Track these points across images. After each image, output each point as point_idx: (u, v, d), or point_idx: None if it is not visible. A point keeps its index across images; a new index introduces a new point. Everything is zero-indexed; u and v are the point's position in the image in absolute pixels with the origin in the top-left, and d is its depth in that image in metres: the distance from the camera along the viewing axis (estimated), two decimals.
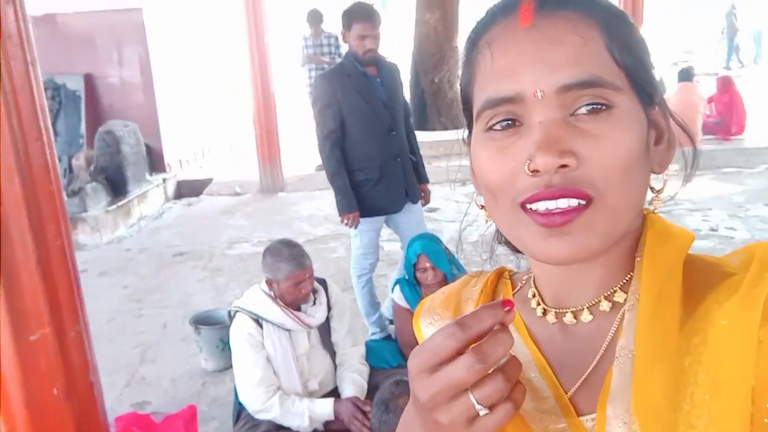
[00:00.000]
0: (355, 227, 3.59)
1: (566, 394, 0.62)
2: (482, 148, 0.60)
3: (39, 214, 1.86)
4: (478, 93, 0.61)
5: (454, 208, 6.44)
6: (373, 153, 3.51)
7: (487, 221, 0.67)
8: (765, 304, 0.51)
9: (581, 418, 0.60)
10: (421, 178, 3.81)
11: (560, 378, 0.63)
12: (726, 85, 8.59)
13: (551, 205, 0.55)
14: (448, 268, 3.25)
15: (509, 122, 0.58)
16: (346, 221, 3.57)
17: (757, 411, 0.49)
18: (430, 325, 0.77)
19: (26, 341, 1.88)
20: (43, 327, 1.90)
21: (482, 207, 0.66)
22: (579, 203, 0.54)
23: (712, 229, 5.35)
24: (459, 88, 0.66)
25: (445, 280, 3.26)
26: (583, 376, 0.61)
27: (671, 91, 7.98)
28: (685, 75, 8.06)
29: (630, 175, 0.56)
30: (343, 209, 3.55)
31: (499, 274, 0.76)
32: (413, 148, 3.79)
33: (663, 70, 11.23)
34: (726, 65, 15.24)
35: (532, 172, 0.54)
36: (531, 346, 0.66)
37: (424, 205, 3.88)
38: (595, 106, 0.55)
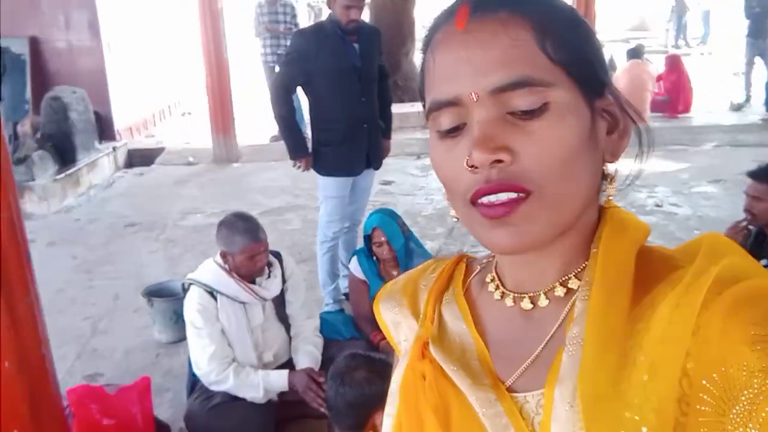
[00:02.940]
0: (303, 170, 3.64)
1: (505, 381, 0.65)
2: (434, 148, 0.64)
3: None
4: (427, 95, 0.64)
5: (409, 181, 6.49)
6: (340, 116, 3.54)
7: (457, 218, 0.69)
8: (706, 296, 0.54)
9: (527, 393, 0.63)
10: (384, 134, 3.87)
11: (511, 358, 0.66)
12: (674, 63, 8.79)
13: (493, 198, 0.58)
14: (400, 246, 3.29)
15: (456, 126, 0.61)
16: (298, 165, 3.63)
17: (694, 389, 0.53)
18: (388, 310, 0.80)
19: None
20: None
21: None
22: (519, 195, 0.58)
23: (657, 205, 5.52)
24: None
25: (396, 257, 3.32)
26: (531, 357, 0.64)
27: (621, 69, 8.13)
28: (635, 53, 8.21)
29: (568, 168, 0.58)
30: (296, 153, 3.61)
31: (458, 260, 0.79)
32: (387, 104, 3.85)
33: (613, 47, 11.41)
34: (675, 44, 15.57)
35: (470, 167, 0.58)
36: (475, 336, 0.70)
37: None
38: (528, 110, 0.58)
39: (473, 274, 0.76)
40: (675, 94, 8.60)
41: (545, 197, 0.58)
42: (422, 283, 0.79)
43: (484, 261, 0.76)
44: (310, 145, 3.70)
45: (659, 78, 8.68)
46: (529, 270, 0.67)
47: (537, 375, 0.63)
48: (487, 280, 0.72)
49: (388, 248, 3.29)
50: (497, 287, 0.70)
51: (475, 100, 0.58)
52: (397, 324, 0.79)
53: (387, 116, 3.89)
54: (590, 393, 0.56)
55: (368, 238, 3.36)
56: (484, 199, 0.58)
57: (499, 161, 0.57)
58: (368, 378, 2.01)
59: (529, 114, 0.58)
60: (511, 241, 0.59)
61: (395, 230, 3.31)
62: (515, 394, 0.64)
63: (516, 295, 0.68)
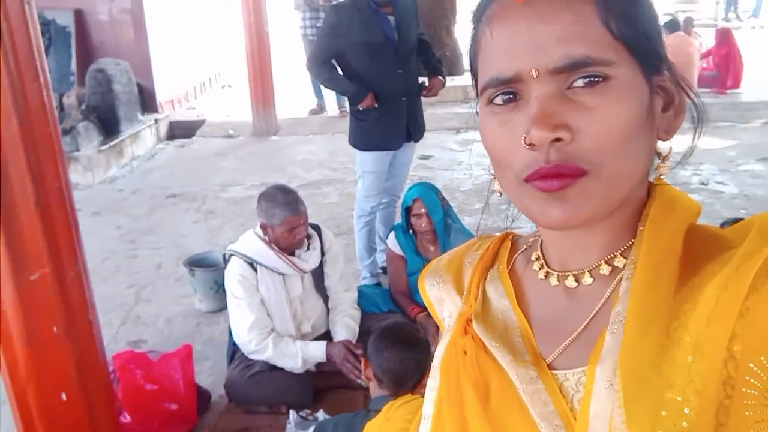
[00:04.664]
0: (370, 106, 3.50)
1: (546, 358, 0.65)
2: (486, 122, 0.62)
3: (37, 156, 1.87)
4: (481, 69, 0.62)
5: (447, 156, 6.45)
6: (375, 90, 3.48)
7: (501, 194, 0.68)
8: (755, 277, 0.53)
9: (568, 371, 0.63)
10: (436, 72, 3.80)
11: (553, 336, 0.66)
12: (725, 37, 8.51)
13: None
14: (439, 219, 3.28)
15: (510, 96, 0.59)
16: (365, 107, 3.51)
17: (741, 372, 0.52)
18: (432, 286, 0.80)
19: (26, 281, 1.91)
20: (43, 267, 1.93)
21: (494, 176, 0.67)
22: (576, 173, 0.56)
23: (703, 183, 5.39)
24: (468, 59, 0.67)
25: (434, 230, 3.31)
26: (575, 334, 0.64)
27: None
28: (672, 26, 7.90)
29: (627, 146, 0.57)
30: (357, 97, 3.52)
31: (504, 238, 0.79)
32: (437, 62, 3.82)
33: (661, 20, 11.07)
34: (725, 17, 15.07)
35: (528, 145, 0.56)
36: (518, 313, 0.70)
37: (428, 94, 3.77)
38: (592, 79, 0.56)
39: (518, 252, 0.76)
40: (724, 69, 8.34)
41: (602, 175, 0.57)
42: (467, 260, 0.79)
43: (530, 239, 0.76)
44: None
45: (708, 53, 8.42)
46: (574, 248, 0.66)
47: (578, 353, 0.62)
48: (533, 258, 0.71)
49: (427, 220, 3.29)
50: (542, 266, 0.69)
51: (534, 76, 0.57)
52: (441, 300, 0.79)
53: (432, 55, 3.80)
54: (630, 372, 0.55)
55: (407, 210, 3.36)
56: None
57: (559, 140, 0.55)
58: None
59: (591, 88, 0.56)
60: (565, 216, 0.57)
61: (435, 203, 3.30)
62: (555, 372, 0.63)
63: (560, 273, 0.67)
